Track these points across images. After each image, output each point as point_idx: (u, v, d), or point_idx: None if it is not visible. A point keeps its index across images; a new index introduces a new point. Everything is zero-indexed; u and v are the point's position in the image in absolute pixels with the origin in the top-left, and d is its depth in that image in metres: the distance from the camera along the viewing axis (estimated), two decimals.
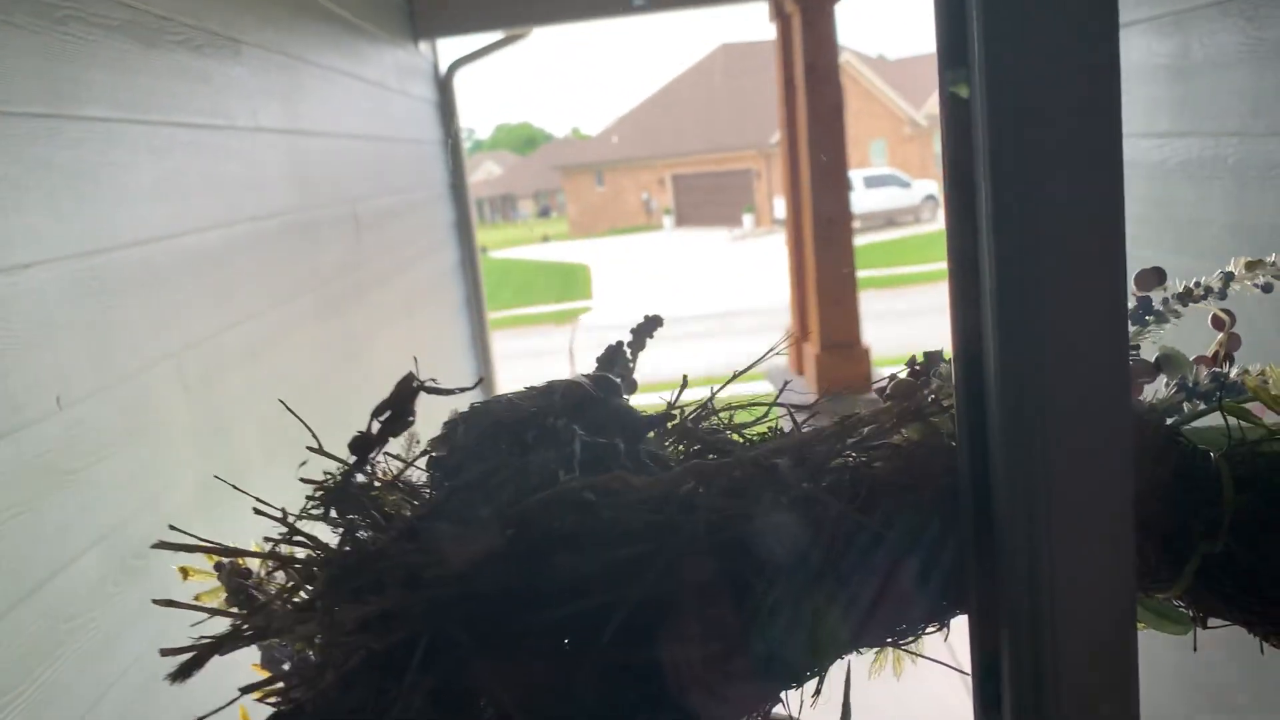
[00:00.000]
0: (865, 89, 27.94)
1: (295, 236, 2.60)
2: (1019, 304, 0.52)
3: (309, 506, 0.58)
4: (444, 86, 4.94)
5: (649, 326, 0.64)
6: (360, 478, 0.60)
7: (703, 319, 14.37)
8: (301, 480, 0.66)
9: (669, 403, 0.63)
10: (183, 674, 0.54)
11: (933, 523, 0.54)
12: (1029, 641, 0.54)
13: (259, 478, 2.07)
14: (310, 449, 0.62)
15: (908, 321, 11.70)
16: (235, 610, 0.65)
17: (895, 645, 0.57)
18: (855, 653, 0.57)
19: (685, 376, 0.64)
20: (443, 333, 4.68)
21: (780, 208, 24.02)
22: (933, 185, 24.53)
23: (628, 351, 0.64)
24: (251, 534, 2.02)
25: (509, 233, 33.15)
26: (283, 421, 2.32)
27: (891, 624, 0.55)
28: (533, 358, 12.50)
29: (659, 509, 0.48)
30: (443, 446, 0.61)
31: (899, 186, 23.34)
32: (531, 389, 0.62)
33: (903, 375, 0.63)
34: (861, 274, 5.85)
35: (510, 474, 0.53)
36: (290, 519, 0.58)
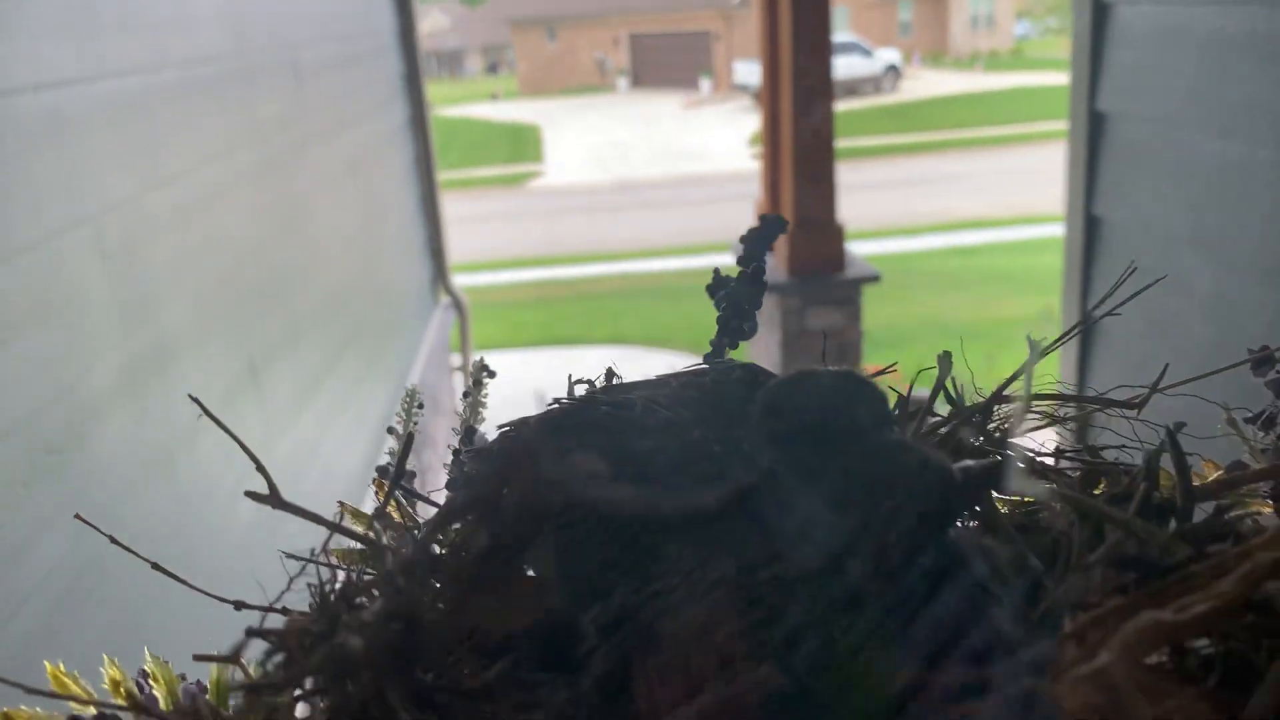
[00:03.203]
0: None
1: (229, 86, 2.33)
2: None
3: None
4: None
5: (770, 230, 0.45)
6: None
7: (658, 187, 14.05)
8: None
9: (931, 418, 0.41)
10: None
11: None
12: None
13: (191, 357, 1.87)
14: (254, 496, 0.42)
15: (871, 196, 11.53)
16: None
17: None
18: None
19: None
20: (390, 195, 4.41)
21: (741, 73, 23.37)
22: (895, 55, 23.98)
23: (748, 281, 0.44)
24: (184, 422, 1.83)
25: (455, 89, 31.95)
26: (219, 294, 2.10)
27: None
28: (482, 223, 12.16)
29: None
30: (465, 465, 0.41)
31: (861, 55, 22.76)
32: (669, 377, 0.40)
33: None
34: None
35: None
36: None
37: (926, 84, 23.71)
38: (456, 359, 5.36)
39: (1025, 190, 11.78)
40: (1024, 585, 0.29)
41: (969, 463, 0.32)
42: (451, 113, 24.05)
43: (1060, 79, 18.80)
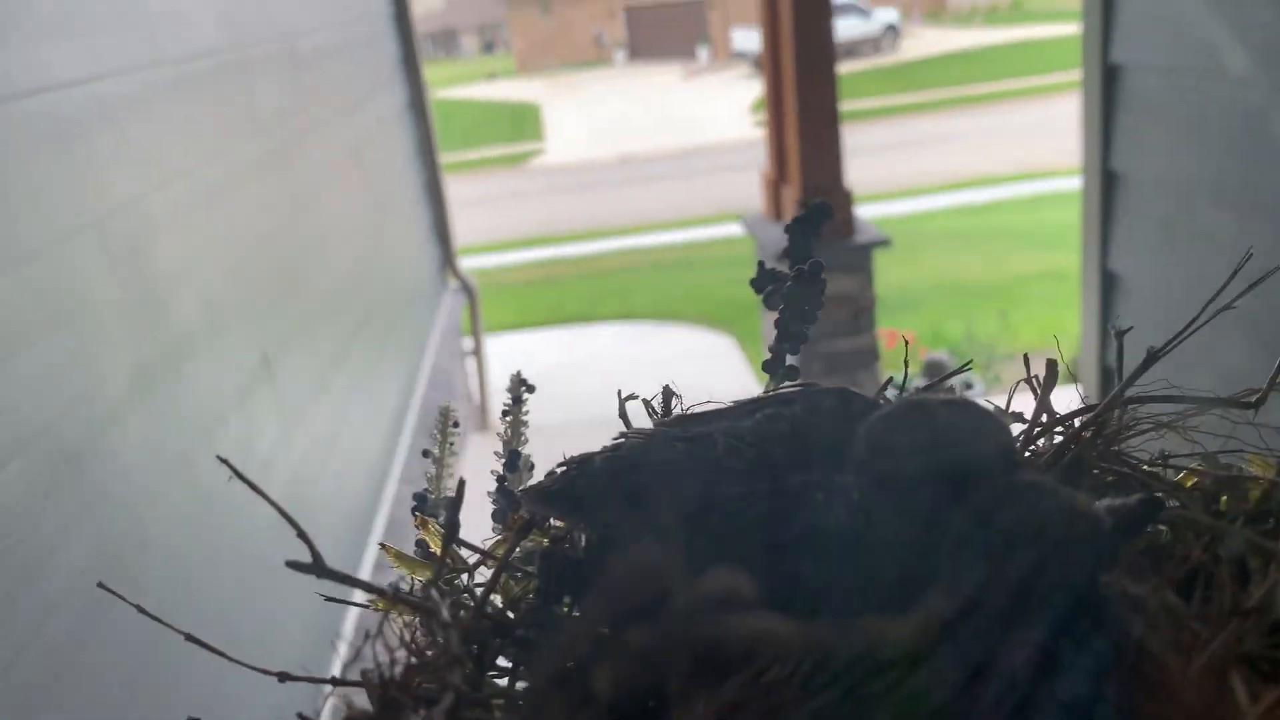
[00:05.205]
0: None
1: (227, 80, 2.30)
2: None
3: None
4: None
5: (816, 218, 0.42)
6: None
7: (661, 160, 13.96)
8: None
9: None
10: None
11: None
12: None
13: (204, 355, 1.86)
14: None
15: (875, 158, 11.43)
16: None
17: None
18: None
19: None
20: (394, 181, 4.38)
21: (739, 40, 23.16)
22: (893, 14, 23.72)
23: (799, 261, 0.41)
24: (201, 421, 1.82)
25: (452, 70, 31.75)
26: (228, 290, 2.09)
27: None
28: (488, 204, 12.11)
29: None
30: (551, 508, 0.37)
31: (858, 16, 22.51)
32: (750, 404, 0.34)
33: None
34: None
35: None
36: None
37: (926, 42, 23.46)
38: (468, 343, 5.34)
39: (1030, 145, 11.66)
40: (1171, 634, 0.26)
41: (1116, 502, 0.28)
42: (449, 94, 23.91)
43: (1061, 30, 18.55)
